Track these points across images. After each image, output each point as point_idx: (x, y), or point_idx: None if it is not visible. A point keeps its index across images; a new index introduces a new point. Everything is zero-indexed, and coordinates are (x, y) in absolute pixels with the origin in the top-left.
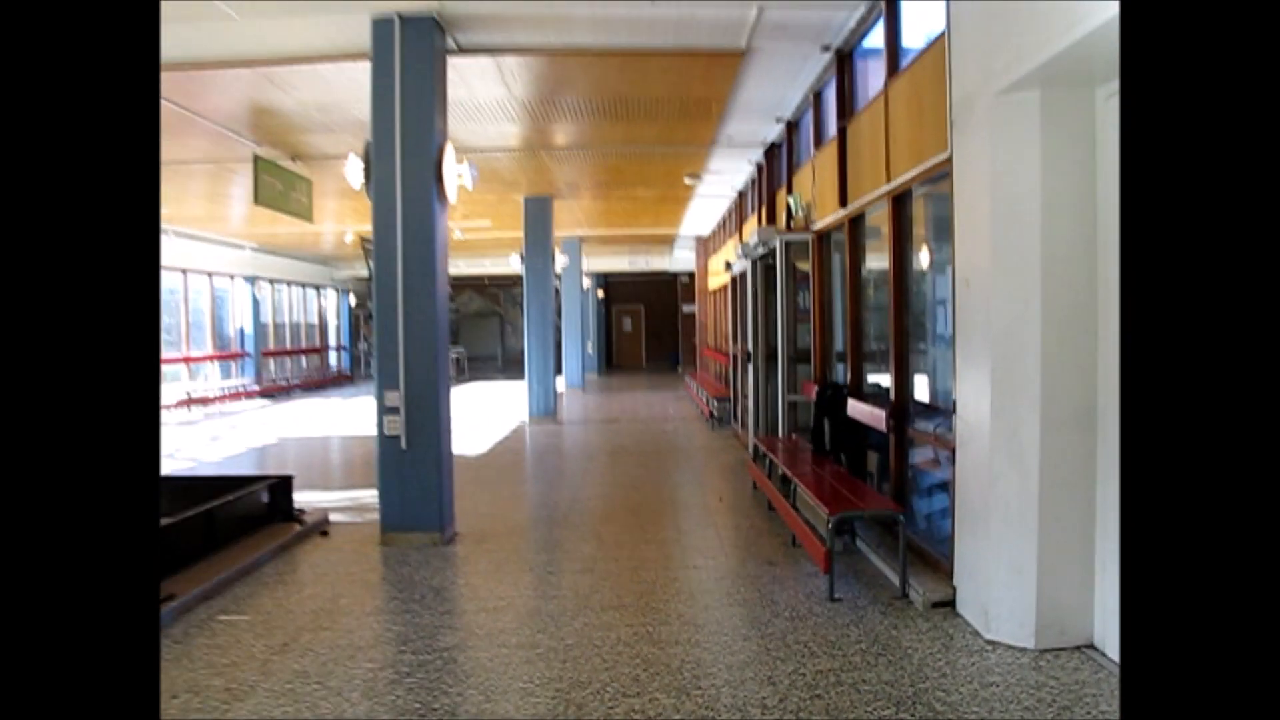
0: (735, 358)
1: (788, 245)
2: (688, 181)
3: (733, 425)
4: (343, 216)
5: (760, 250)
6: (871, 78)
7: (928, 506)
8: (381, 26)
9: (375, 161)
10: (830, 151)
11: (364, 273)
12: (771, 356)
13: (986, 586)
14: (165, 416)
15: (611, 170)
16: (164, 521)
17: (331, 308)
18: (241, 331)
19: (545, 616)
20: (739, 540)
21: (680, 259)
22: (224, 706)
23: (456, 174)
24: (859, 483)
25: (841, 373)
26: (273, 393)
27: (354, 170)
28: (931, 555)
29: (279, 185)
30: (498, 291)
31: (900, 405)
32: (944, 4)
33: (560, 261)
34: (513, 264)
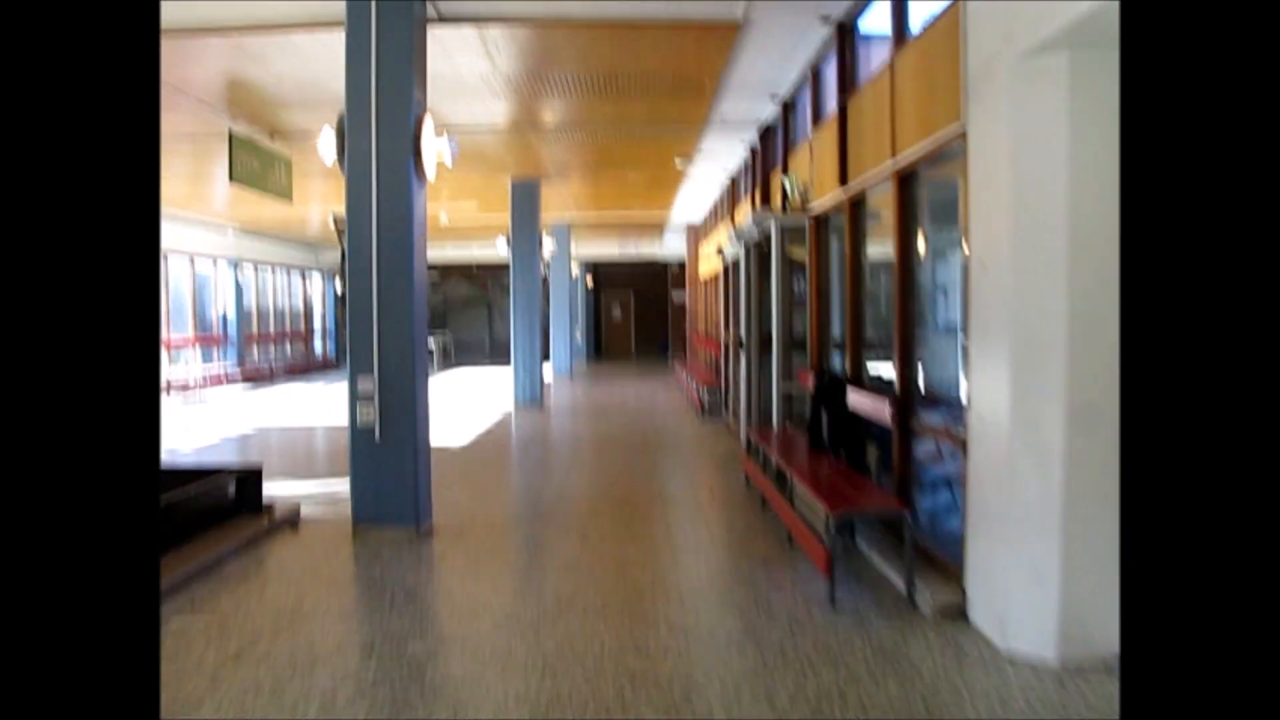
0: (727, 346)
1: (783, 229)
2: (679, 163)
3: (724, 415)
4: (327, 198)
5: (754, 234)
6: (875, 49)
7: (933, 504)
8: None
9: (349, 135)
10: (830, 130)
11: None
12: (765, 344)
13: (1003, 593)
14: None
15: (601, 151)
16: None
17: (317, 292)
18: (224, 316)
19: (524, 622)
20: (732, 538)
21: (671, 246)
22: None
23: (436, 149)
24: (860, 478)
25: (839, 361)
26: (255, 378)
27: (327, 144)
28: (938, 557)
29: (256, 163)
30: (486, 277)
31: (905, 396)
32: None
33: (548, 247)
34: (500, 249)
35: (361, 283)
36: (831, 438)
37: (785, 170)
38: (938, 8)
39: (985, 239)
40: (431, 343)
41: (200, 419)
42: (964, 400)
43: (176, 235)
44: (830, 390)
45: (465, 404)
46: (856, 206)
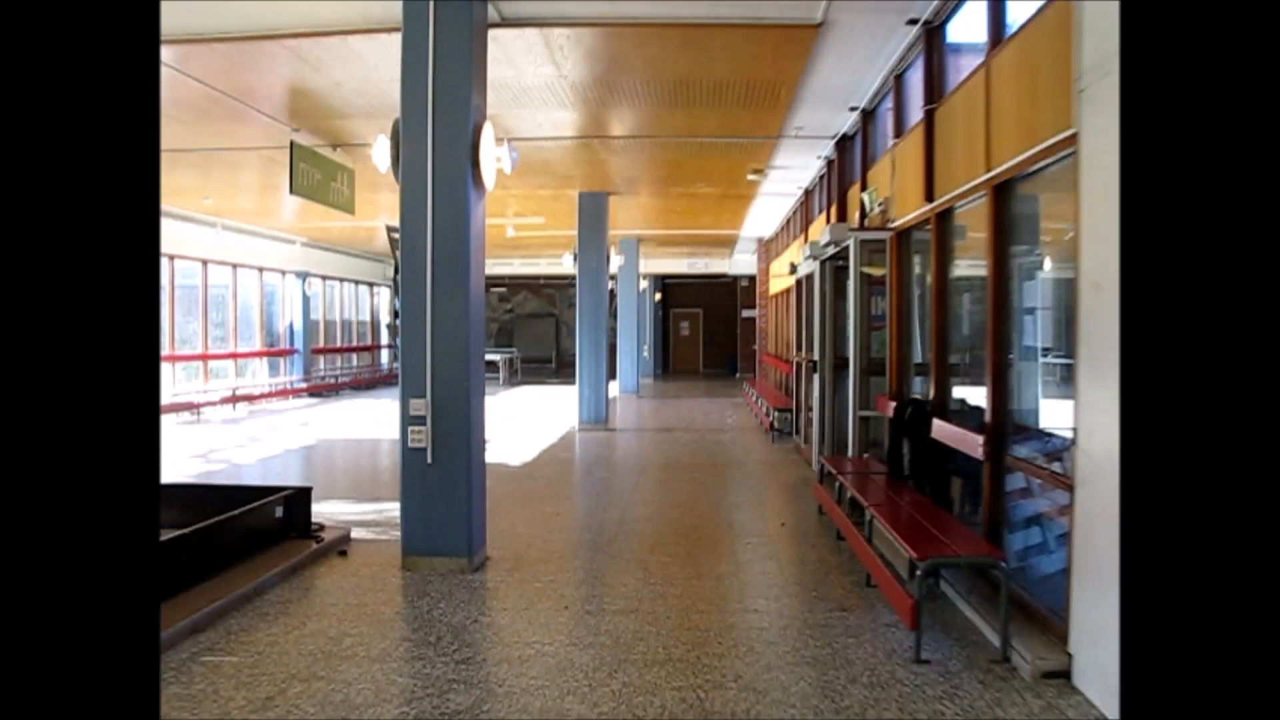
0: (799, 366)
1: (862, 244)
2: (751, 178)
3: (794, 438)
4: (393, 211)
5: (830, 250)
6: (966, 53)
7: (1028, 548)
8: None
9: (404, 141)
10: (914, 140)
11: None
12: (840, 366)
13: (1116, 656)
14: (210, 413)
15: (671, 164)
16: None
17: (384, 306)
18: (291, 328)
19: (579, 671)
20: (805, 576)
21: (740, 261)
22: None
23: (495, 157)
24: (947, 518)
25: (921, 387)
26: (321, 391)
27: (381, 152)
28: (1037, 610)
29: (318, 174)
30: (553, 292)
31: (998, 428)
32: None
33: (615, 261)
34: (566, 264)
35: (415, 297)
36: (913, 470)
37: (864, 185)
38: (1040, 3)
39: (1099, 257)
40: (497, 358)
41: (264, 432)
42: (1071, 436)
43: (245, 248)
44: (913, 419)
45: (529, 422)
46: (944, 221)
